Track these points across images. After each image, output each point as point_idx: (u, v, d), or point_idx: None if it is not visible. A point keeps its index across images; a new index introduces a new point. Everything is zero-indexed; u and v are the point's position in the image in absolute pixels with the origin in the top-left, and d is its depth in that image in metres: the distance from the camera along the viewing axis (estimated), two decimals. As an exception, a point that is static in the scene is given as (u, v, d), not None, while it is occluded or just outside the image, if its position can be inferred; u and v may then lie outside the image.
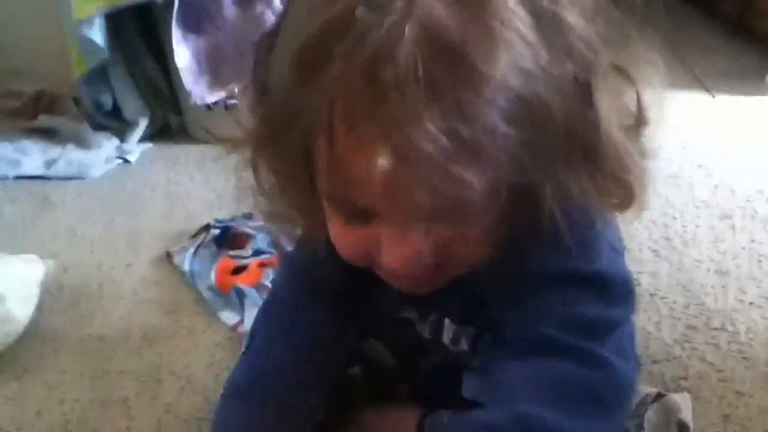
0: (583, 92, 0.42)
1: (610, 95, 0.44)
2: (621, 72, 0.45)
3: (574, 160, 0.43)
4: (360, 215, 0.45)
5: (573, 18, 0.41)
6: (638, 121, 0.46)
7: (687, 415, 0.73)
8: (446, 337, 0.59)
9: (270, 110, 0.46)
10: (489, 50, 0.38)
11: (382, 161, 0.39)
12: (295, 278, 0.65)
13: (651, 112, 0.46)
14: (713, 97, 1.66)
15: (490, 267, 0.47)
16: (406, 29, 0.38)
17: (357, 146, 0.40)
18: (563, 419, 0.41)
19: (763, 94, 1.65)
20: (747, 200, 1.18)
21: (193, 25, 1.41)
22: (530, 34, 0.39)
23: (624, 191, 0.46)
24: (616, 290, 0.50)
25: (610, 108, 0.43)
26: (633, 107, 0.46)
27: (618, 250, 0.54)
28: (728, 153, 1.36)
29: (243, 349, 0.73)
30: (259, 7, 1.38)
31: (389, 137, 0.38)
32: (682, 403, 0.74)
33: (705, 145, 1.40)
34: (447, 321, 0.58)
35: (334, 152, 0.41)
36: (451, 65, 0.37)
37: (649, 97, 0.46)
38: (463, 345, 0.58)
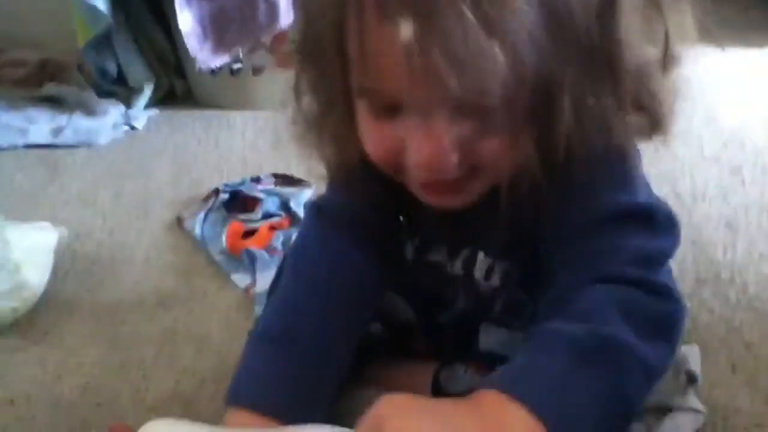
0: (608, 6, 0.43)
1: (636, 20, 0.45)
2: (652, 3, 0.47)
3: (593, 68, 0.44)
4: (388, 109, 0.47)
5: None
6: (665, 56, 0.48)
7: (695, 366, 0.74)
8: (479, 270, 0.59)
9: (309, 26, 0.49)
10: None
11: (407, 32, 0.41)
12: (322, 219, 0.64)
13: (681, 54, 0.49)
14: (723, 50, 1.63)
15: (527, 196, 0.48)
16: None
17: (384, 20, 0.42)
18: (641, 343, 0.42)
19: (773, 45, 1.63)
20: (757, 154, 1.18)
21: (196, -11, 1.39)
22: None
23: (645, 116, 0.48)
24: (663, 222, 0.51)
25: (635, 31, 0.45)
26: (662, 41, 0.47)
27: (650, 187, 0.55)
28: (738, 106, 1.35)
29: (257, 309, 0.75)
30: (262, -31, 1.37)
31: (415, 6, 0.41)
32: (691, 354, 0.74)
33: (715, 99, 1.39)
34: (481, 254, 0.58)
35: (364, 35, 0.43)
36: None
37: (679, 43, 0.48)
38: (495, 280, 0.59)
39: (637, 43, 0.45)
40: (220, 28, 1.42)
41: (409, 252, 0.62)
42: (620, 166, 0.50)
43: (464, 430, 0.36)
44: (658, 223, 0.51)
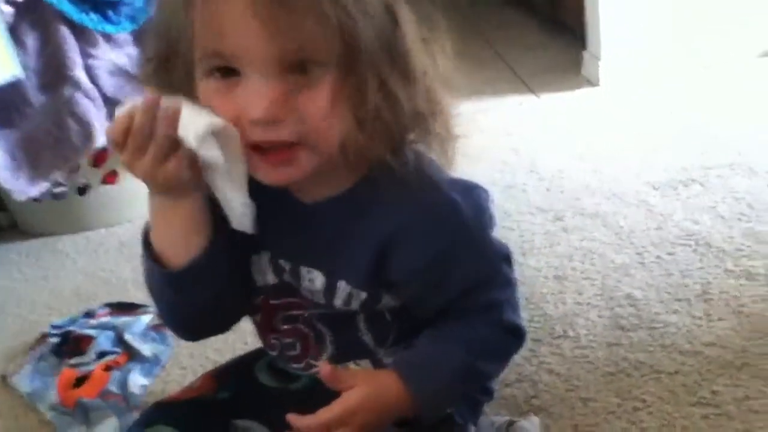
0: (392, 18, 0.55)
1: (416, 39, 0.56)
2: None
3: (392, 62, 0.54)
4: (227, 73, 0.53)
5: None
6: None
7: (535, 437, 0.75)
8: (339, 298, 0.64)
9: (161, 32, 0.56)
10: None
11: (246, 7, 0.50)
12: None
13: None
14: (538, 96, 1.74)
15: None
16: None
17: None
18: (492, 368, 0.68)
19: (580, 86, 1.75)
20: (576, 198, 1.24)
21: (0, 119, 1.32)
22: None
23: (419, 118, 0.57)
24: (510, 256, 0.67)
25: (415, 40, 0.56)
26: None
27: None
28: (556, 152, 1.43)
29: None
30: (67, 90, 1.31)
31: None
32: (531, 428, 0.76)
33: (535, 147, 1.46)
34: (342, 283, 0.63)
35: (207, 12, 0.51)
36: None
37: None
38: (355, 305, 0.64)
39: (419, 49, 0.56)
40: (33, 155, 1.34)
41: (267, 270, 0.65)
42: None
43: (361, 390, 0.58)
44: (510, 257, 0.67)
